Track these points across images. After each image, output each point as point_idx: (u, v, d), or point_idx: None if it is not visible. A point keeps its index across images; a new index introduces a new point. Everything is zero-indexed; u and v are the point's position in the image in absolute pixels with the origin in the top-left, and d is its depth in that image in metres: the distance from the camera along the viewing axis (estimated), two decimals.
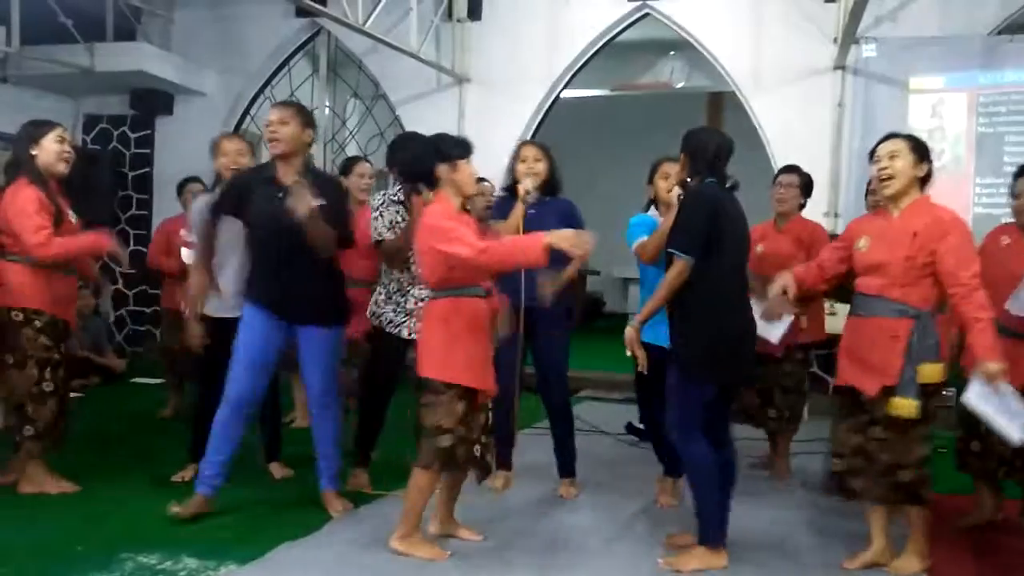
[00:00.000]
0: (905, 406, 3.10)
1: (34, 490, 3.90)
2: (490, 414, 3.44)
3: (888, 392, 3.14)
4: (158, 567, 3.10)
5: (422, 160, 3.45)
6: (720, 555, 3.24)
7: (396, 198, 4.07)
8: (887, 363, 3.14)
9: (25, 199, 3.77)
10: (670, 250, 3.20)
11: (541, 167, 4.05)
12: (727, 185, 3.32)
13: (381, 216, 4.01)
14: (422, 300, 4.03)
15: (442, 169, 3.38)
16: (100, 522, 3.56)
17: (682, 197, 3.37)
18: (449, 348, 3.27)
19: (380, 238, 4.00)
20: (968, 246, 3.15)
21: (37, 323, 3.83)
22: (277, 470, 4.32)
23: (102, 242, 3.96)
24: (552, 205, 4.06)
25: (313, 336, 3.74)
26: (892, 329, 3.14)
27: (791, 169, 4.72)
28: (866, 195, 4.45)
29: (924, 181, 3.27)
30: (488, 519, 3.63)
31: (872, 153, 3.33)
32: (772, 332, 3.82)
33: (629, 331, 3.33)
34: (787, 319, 3.75)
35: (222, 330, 3.93)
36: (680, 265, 3.17)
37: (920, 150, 3.24)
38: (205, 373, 4.15)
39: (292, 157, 3.65)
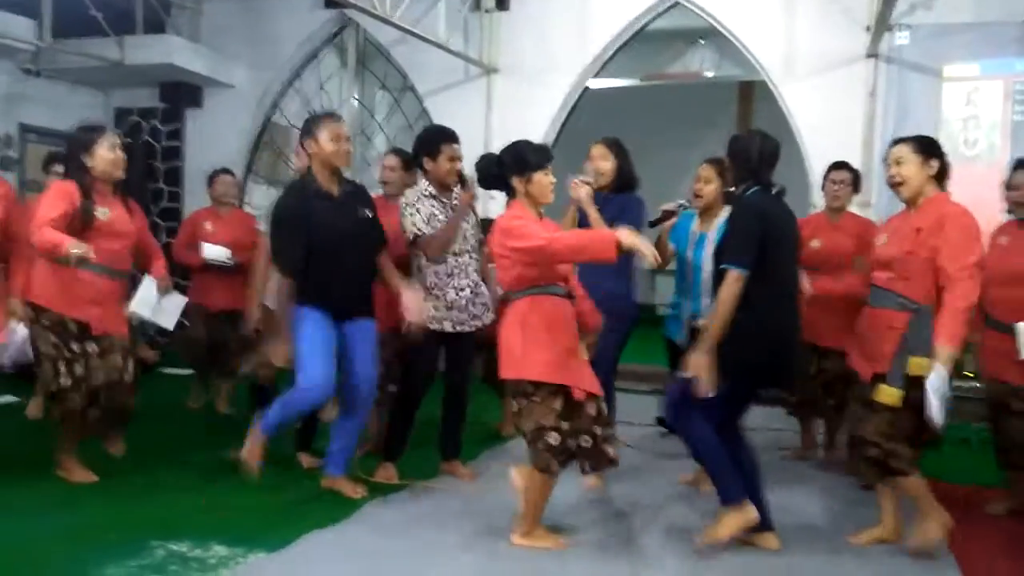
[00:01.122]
0: (890, 394, 3.21)
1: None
2: (603, 405, 3.36)
3: (878, 379, 3.26)
4: (188, 554, 3.13)
5: (496, 167, 3.43)
6: (746, 510, 3.25)
7: (428, 192, 4.08)
8: (881, 351, 3.27)
9: (50, 191, 3.81)
10: (723, 265, 3.19)
11: (607, 166, 4.07)
12: (773, 192, 3.32)
13: (418, 211, 4.00)
14: (462, 290, 4.05)
15: (517, 181, 3.36)
16: (131, 510, 3.60)
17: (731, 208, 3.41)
18: (528, 347, 3.25)
19: (419, 232, 4.00)
20: (964, 239, 3.20)
21: (44, 321, 3.84)
22: (306, 460, 4.34)
23: (62, 245, 3.63)
24: (613, 202, 4.02)
25: (362, 327, 3.82)
26: (890, 320, 3.27)
27: (842, 165, 4.75)
28: None
29: (941, 176, 3.34)
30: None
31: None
32: None
33: (700, 360, 3.15)
34: None
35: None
36: (735, 276, 3.15)
37: (926, 149, 3.33)
38: None
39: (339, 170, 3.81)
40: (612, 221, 3.91)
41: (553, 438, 3.23)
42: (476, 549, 3.30)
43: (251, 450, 3.69)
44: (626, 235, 3.04)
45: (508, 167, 3.37)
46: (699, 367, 3.16)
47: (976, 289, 3.17)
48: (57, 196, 3.80)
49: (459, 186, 4.11)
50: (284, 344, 3.67)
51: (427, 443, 4.35)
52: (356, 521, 3.56)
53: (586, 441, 3.28)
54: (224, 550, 3.18)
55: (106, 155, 3.88)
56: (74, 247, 3.61)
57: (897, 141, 3.45)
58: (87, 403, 3.90)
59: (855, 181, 4.69)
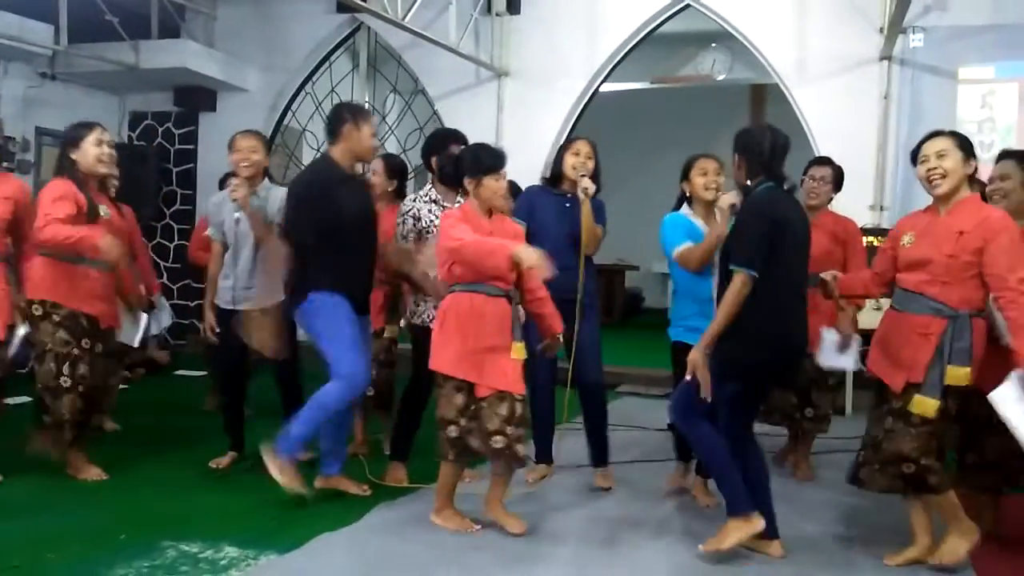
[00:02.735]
0: (926, 405, 3.06)
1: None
2: (517, 405, 3.41)
3: (911, 388, 3.11)
4: (199, 555, 3.14)
5: (455, 165, 3.58)
6: (752, 521, 3.20)
7: (430, 197, 4.07)
8: (914, 359, 3.11)
9: (50, 189, 3.84)
10: (732, 266, 3.11)
11: (591, 165, 4.04)
12: (785, 187, 3.24)
13: (404, 222, 4.03)
14: None
15: (467, 182, 3.49)
16: (143, 511, 3.62)
17: (739, 204, 3.30)
18: (444, 341, 3.41)
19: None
20: (1018, 248, 3.05)
21: (55, 317, 3.85)
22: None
23: (93, 237, 3.74)
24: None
25: (366, 324, 3.86)
26: (925, 326, 3.11)
27: (824, 161, 4.61)
28: None
29: (971, 178, 3.21)
30: (526, 512, 3.62)
31: (915, 153, 3.27)
32: (845, 361, 3.91)
33: (695, 356, 3.16)
34: (855, 347, 3.79)
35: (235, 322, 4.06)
36: (743, 280, 3.08)
37: (966, 147, 3.19)
38: (225, 363, 4.34)
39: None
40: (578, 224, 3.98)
41: (452, 431, 3.41)
42: (485, 550, 3.30)
43: (288, 475, 3.62)
44: (522, 252, 3.22)
45: (463, 168, 3.51)
46: (695, 363, 3.15)
47: None
48: (59, 196, 3.79)
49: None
50: (273, 336, 3.73)
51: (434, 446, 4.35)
52: (366, 523, 3.56)
53: (497, 442, 3.37)
54: (235, 551, 3.19)
55: (92, 149, 3.89)
56: (105, 244, 3.73)
57: (935, 134, 3.25)
58: (83, 407, 3.91)
59: (837, 179, 4.53)
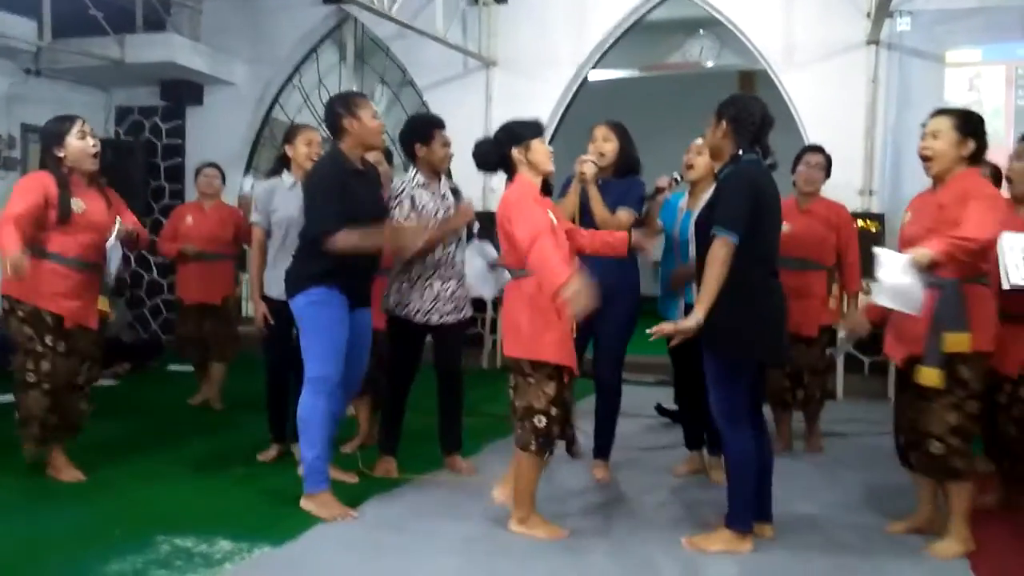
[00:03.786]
0: (929, 375, 3.05)
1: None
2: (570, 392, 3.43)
3: (915, 361, 3.12)
4: (193, 550, 3.13)
5: (493, 147, 3.44)
6: (745, 541, 3.20)
7: (418, 182, 4.06)
8: (914, 332, 3.11)
9: (24, 182, 3.78)
10: (714, 229, 3.05)
11: (609, 147, 3.99)
12: (768, 162, 3.19)
13: (401, 205, 3.98)
14: (448, 281, 4.04)
15: (516, 152, 3.37)
16: (136, 507, 3.61)
17: (720, 177, 3.23)
18: (543, 328, 3.24)
19: None
20: (986, 212, 3.01)
21: (19, 312, 3.78)
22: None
23: (7, 249, 3.56)
24: (613, 186, 3.98)
25: (365, 318, 3.74)
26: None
27: (817, 148, 4.65)
28: None
29: (976, 156, 3.19)
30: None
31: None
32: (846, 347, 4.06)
33: (691, 325, 3.03)
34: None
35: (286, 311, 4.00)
36: (723, 242, 3.01)
37: (966, 127, 3.16)
38: (275, 354, 4.28)
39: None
40: (615, 204, 3.93)
41: (540, 421, 3.26)
42: (480, 542, 3.30)
43: (331, 507, 3.50)
44: (568, 290, 2.99)
45: (505, 142, 3.40)
46: (683, 331, 3.05)
47: (986, 255, 3.01)
48: (28, 188, 3.75)
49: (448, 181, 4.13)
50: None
51: (429, 437, 4.35)
52: (360, 515, 3.56)
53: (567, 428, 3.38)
54: (229, 544, 3.18)
55: (76, 143, 3.82)
56: (12, 260, 3.54)
57: (939, 112, 3.24)
58: (49, 405, 3.82)
59: (828, 165, 4.57)
